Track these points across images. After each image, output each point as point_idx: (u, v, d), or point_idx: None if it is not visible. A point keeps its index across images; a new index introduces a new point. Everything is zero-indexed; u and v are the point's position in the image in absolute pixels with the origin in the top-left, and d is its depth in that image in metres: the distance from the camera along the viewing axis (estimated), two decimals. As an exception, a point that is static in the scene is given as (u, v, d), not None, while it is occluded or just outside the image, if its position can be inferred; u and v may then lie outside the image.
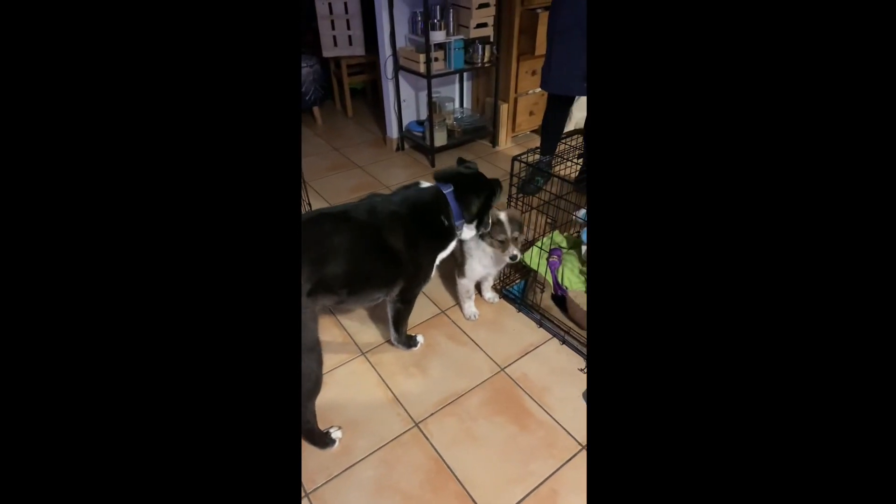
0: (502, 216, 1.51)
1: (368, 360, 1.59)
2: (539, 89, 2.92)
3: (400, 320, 1.53)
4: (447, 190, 1.38)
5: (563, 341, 1.64)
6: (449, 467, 1.27)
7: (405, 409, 1.42)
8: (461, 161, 1.54)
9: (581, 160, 2.03)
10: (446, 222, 1.37)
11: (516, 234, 1.50)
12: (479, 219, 1.43)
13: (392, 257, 1.31)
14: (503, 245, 1.50)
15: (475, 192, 1.39)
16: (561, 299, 1.70)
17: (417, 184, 1.44)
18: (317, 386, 1.21)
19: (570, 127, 2.67)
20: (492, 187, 1.43)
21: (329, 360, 1.58)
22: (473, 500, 1.20)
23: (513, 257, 1.49)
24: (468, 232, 1.48)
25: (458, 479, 1.24)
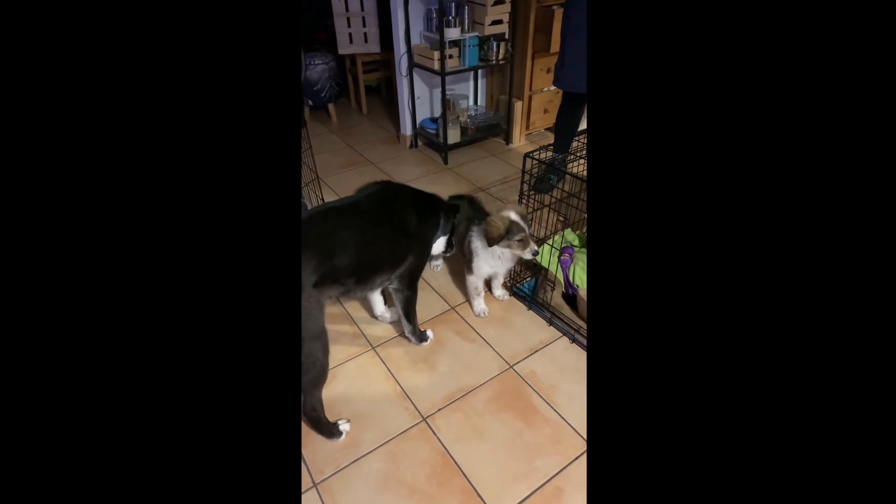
0: (513, 216, 1.47)
1: (378, 355, 1.60)
2: (554, 87, 2.90)
3: (410, 309, 1.56)
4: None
5: (573, 340, 1.63)
6: (455, 462, 1.27)
7: (413, 404, 1.43)
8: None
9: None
10: (439, 216, 1.56)
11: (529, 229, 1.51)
12: (448, 234, 1.60)
13: (400, 236, 1.40)
14: (523, 243, 1.49)
15: (451, 212, 1.61)
16: (572, 298, 1.69)
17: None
18: (322, 374, 1.23)
19: (584, 125, 2.65)
20: (457, 211, 1.65)
21: (339, 353, 1.60)
22: (479, 496, 1.20)
23: (534, 253, 1.49)
24: (438, 245, 1.60)
25: (464, 474, 1.25)
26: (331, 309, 1.77)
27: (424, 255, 1.52)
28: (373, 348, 1.62)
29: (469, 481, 1.23)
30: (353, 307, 1.80)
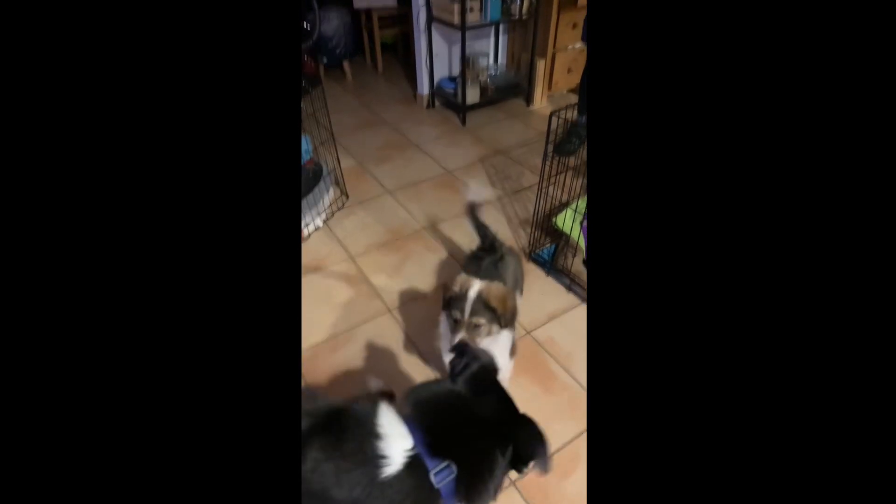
0: (472, 292, 1.05)
1: (395, 317, 1.59)
2: (580, 44, 2.75)
3: None
4: (443, 479, 0.68)
5: (593, 307, 1.60)
6: (472, 424, 1.28)
7: (430, 368, 1.43)
8: (461, 367, 0.79)
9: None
10: None
11: (479, 320, 1.05)
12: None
13: None
14: (456, 325, 1.07)
15: (499, 453, 0.73)
16: (592, 264, 1.65)
17: (375, 439, 0.69)
18: None
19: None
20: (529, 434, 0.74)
21: (355, 315, 1.60)
22: (495, 458, 1.20)
23: (454, 346, 0.94)
24: None
25: (480, 437, 1.25)
26: (346, 268, 1.76)
27: None
28: (389, 312, 1.62)
29: (485, 443, 1.23)
30: (369, 267, 1.78)
